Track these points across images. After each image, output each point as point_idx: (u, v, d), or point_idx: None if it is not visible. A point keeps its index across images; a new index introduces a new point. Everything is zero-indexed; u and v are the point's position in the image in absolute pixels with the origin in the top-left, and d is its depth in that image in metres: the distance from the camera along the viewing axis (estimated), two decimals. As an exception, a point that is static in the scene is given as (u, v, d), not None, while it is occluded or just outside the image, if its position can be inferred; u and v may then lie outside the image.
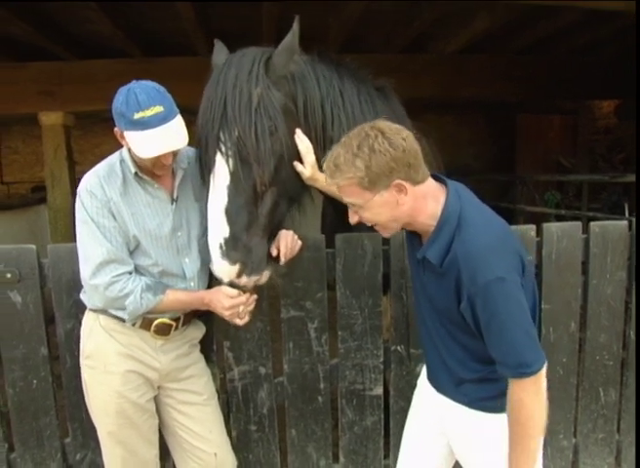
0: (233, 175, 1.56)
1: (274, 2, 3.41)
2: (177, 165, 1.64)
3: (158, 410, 1.74)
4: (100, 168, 1.59)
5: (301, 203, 1.86)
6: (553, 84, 5.29)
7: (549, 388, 2.15)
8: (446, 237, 1.27)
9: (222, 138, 1.56)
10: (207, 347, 1.94)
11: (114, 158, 1.62)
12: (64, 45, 4.26)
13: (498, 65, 5.05)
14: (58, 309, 1.89)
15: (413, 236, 1.45)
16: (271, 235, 1.68)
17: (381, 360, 2.04)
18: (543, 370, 1.25)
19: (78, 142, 6.70)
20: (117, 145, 1.65)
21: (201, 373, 1.78)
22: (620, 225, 2.17)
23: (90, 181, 1.56)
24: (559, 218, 4.82)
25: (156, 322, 1.62)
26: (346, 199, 1.31)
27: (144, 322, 1.62)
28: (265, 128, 1.56)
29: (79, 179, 1.62)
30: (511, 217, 5.41)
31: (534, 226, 2.08)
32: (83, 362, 1.68)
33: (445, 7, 3.62)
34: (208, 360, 1.94)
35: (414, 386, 2.05)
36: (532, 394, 1.24)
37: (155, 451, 1.73)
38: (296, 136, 1.68)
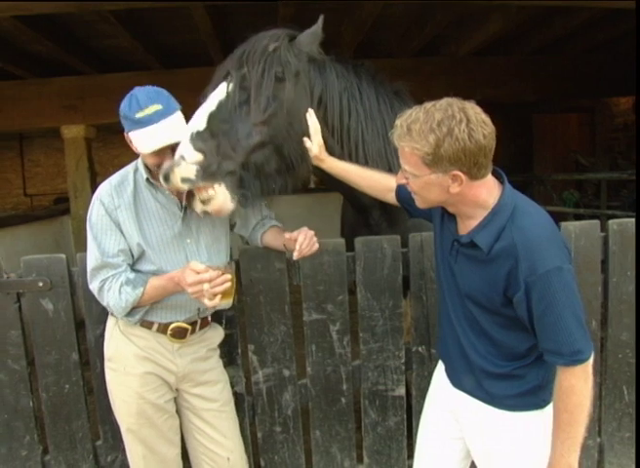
0: (230, 95, 1.63)
1: (289, 11, 3.46)
2: None
3: (177, 412, 1.79)
4: (114, 177, 1.68)
5: (297, 179, 1.83)
6: (569, 83, 5.27)
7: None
8: (498, 224, 1.26)
9: (231, 73, 1.65)
10: (232, 351, 1.99)
11: (129, 167, 1.70)
12: (85, 60, 4.38)
13: (512, 66, 5.05)
14: (87, 316, 1.96)
15: (448, 222, 1.42)
16: (256, 197, 1.71)
17: (403, 361, 2.06)
18: (592, 359, 1.26)
19: (98, 154, 6.85)
20: (135, 156, 1.72)
21: (217, 380, 1.81)
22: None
23: (101, 190, 1.64)
24: (578, 218, 4.78)
25: (172, 326, 1.67)
26: (403, 164, 1.29)
27: (161, 326, 1.67)
28: (273, 71, 1.63)
29: None
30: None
31: None
32: (106, 364, 1.75)
33: (458, 9, 3.64)
34: (233, 363, 2.00)
35: (436, 386, 2.08)
36: (582, 380, 1.25)
37: (177, 451, 1.78)
38: (308, 114, 1.73)
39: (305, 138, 1.74)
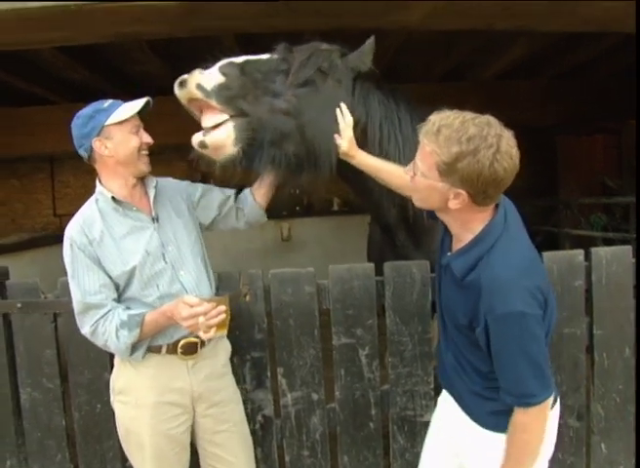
0: (272, 60, 1.67)
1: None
2: (147, 185, 1.72)
3: (191, 435, 1.76)
4: (78, 214, 1.66)
5: (314, 172, 1.79)
6: (594, 105, 5.25)
7: (606, 418, 2.14)
8: (476, 254, 1.25)
9: (278, 50, 1.72)
10: (261, 373, 2.00)
11: (89, 202, 1.69)
12: (116, 85, 4.53)
13: (537, 90, 5.07)
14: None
15: (446, 236, 1.44)
16: (261, 162, 1.69)
17: (432, 386, 2.05)
18: (549, 402, 1.26)
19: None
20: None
21: (230, 399, 1.79)
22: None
23: (70, 229, 1.63)
24: (607, 242, 4.72)
25: (181, 343, 1.64)
26: (418, 159, 1.28)
27: (170, 346, 1.65)
28: (319, 61, 1.67)
29: None
30: (556, 241, 5.33)
31: (582, 251, 2.08)
32: (114, 398, 1.71)
33: (483, 36, 3.69)
34: (262, 386, 2.01)
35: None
36: (535, 420, 1.25)
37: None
38: (338, 110, 1.72)
39: (336, 135, 1.72)
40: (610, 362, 2.14)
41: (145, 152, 1.66)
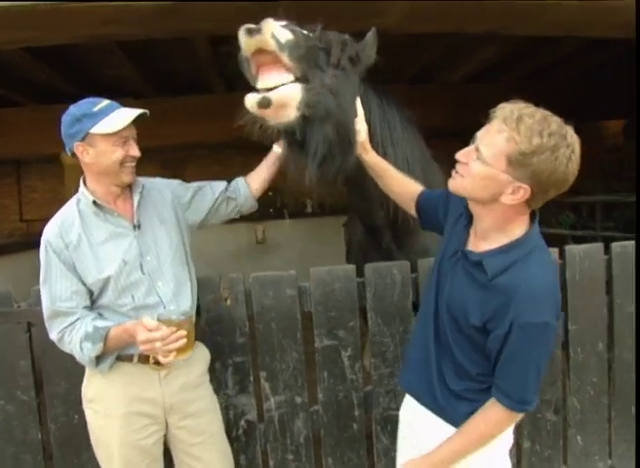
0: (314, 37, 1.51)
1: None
2: (132, 190, 1.67)
3: (169, 446, 1.72)
4: (58, 215, 1.62)
5: (343, 164, 1.66)
6: (558, 107, 5.39)
7: (582, 411, 2.20)
8: (513, 257, 1.22)
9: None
10: (244, 378, 1.99)
11: (71, 202, 1.64)
12: (84, 87, 4.43)
13: (502, 92, 5.15)
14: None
15: (460, 232, 1.39)
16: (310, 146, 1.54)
17: (414, 385, 2.07)
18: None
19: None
20: None
21: (206, 409, 1.73)
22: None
23: (47, 231, 1.59)
24: (576, 239, 4.85)
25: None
26: (484, 145, 1.19)
27: (141, 356, 1.59)
28: (350, 49, 1.57)
29: None
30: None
31: (556, 249, 2.13)
32: (86, 405, 1.67)
33: (451, 39, 3.75)
34: (244, 391, 1.99)
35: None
36: (507, 422, 1.30)
37: None
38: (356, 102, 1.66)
39: (357, 120, 1.64)
40: (584, 356, 2.20)
41: (131, 164, 1.60)
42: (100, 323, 1.54)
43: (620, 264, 2.20)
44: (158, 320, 1.45)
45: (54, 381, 1.96)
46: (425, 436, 1.42)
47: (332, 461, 2.08)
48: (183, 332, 1.44)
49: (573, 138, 1.15)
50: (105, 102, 1.55)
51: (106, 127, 1.51)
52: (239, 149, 6.57)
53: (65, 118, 1.55)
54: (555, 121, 1.15)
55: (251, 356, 1.99)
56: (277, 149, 1.88)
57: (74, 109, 1.55)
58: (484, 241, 1.30)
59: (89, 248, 1.57)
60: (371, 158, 1.71)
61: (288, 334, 1.98)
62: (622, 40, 3.20)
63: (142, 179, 1.73)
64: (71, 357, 1.87)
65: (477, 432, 1.31)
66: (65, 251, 1.56)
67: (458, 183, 1.27)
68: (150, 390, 1.62)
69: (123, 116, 1.54)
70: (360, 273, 2.02)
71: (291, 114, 1.45)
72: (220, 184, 1.88)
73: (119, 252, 1.59)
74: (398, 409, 2.05)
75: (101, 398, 1.63)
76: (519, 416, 1.31)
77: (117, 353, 1.58)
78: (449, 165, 1.97)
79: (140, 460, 1.62)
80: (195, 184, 1.86)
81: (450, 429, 1.37)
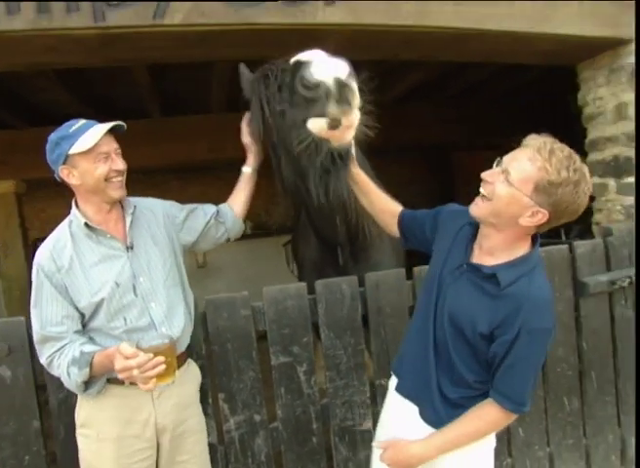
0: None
1: (225, 67, 3.61)
2: (124, 210, 1.69)
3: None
4: (50, 238, 1.63)
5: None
6: (482, 124, 5.80)
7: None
8: (520, 271, 1.34)
9: None
10: (202, 401, 1.99)
11: (63, 224, 1.65)
12: (18, 114, 4.29)
13: (432, 111, 5.48)
14: (49, 380, 1.89)
15: (461, 247, 1.48)
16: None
17: (368, 395, 2.16)
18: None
19: (24, 208, 6.59)
20: (62, 208, 1.72)
21: (195, 430, 1.76)
22: (562, 249, 2.44)
23: (39, 255, 1.59)
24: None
25: None
26: (514, 169, 1.29)
27: None
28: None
29: (33, 246, 1.67)
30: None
31: None
32: (78, 431, 1.66)
33: (384, 65, 3.95)
34: (204, 413, 1.99)
35: (400, 417, 2.18)
36: (501, 421, 1.41)
37: None
38: None
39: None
40: (520, 355, 2.38)
41: (117, 179, 1.61)
42: (88, 348, 1.53)
43: (547, 267, 2.38)
44: (137, 347, 1.43)
45: (1, 421, 1.88)
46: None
47: (293, 476, 2.12)
48: (161, 359, 1.41)
49: (589, 176, 1.29)
50: (82, 122, 1.57)
51: (82, 145, 1.52)
52: (176, 173, 6.53)
53: (47, 146, 1.57)
54: (579, 159, 1.28)
55: (209, 378, 2.01)
56: (247, 170, 1.95)
57: (53, 135, 1.57)
58: (490, 256, 1.40)
59: (81, 270, 1.57)
60: (359, 174, 1.79)
61: (244, 354, 2.01)
62: (534, 66, 3.52)
63: (134, 199, 1.74)
64: (21, 394, 1.84)
65: (473, 427, 1.40)
66: (57, 274, 1.55)
67: (480, 208, 1.37)
68: (144, 411, 1.61)
69: (96, 131, 1.55)
70: (311, 290, 2.10)
71: (349, 137, 1.56)
72: (212, 207, 1.93)
73: (112, 274, 1.59)
74: (354, 420, 2.15)
75: (93, 422, 1.61)
76: (513, 418, 1.41)
77: (107, 376, 1.57)
78: (386, 180, 2.11)
79: None
80: (188, 206, 1.89)
81: None
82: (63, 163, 1.54)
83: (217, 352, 2.00)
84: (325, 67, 1.41)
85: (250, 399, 2.04)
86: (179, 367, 1.67)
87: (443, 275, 1.48)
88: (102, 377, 1.57)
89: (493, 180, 1.33)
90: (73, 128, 1.55)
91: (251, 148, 1.99)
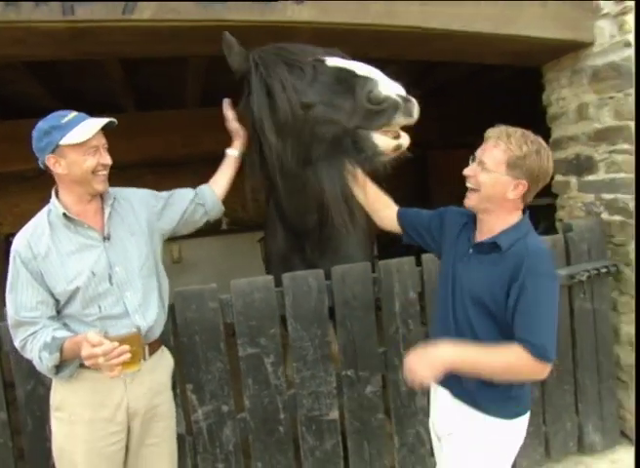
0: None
1: (200, 63, 3.62)
2: (104, 201, 1.73)
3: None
4: (28, 225, 1.66)
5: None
6: (456, 123, 5.90)
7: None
8: (515, 236, 1.54)
9: None
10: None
11: (42, 212, 1.68)
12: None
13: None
14: (16, 371, 1.91)
15: (465, 234, 1.68)
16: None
17: (334, 385, 2.21)
18: (546, 368, 1.46)
19: (-5, 202, 6.48)
20: (36, 202, 1.74)
21: (164, 416, 1.78)
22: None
23: (17, 242, 1.63)
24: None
25: None
26: (486, 158, 1.53)
27: None
28: None
29: (5, 241, 1.69)
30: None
31: (412, 258, 2.35)
32: (53, 414, 1.69)
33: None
34: (172, 404, 2.03)
35: (365, 407, 2.26)
36: (524, 370, 1.46)
37: None
38: None
39: None
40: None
41: (103, 172, 1.66)
42: (60, 333, 1.57)
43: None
44: (105, 335, 1.49)
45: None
46: (457, 425, 1.63)
47: (261, 465, 2.17)
48: (126, 348, 1.46)
49: (545, 144, 1.54)
50: (73, 114, 1.60)
51: (75, 137, 1.56)
52: (151, 168, 6.48)
53: (34, 133, 1.60)
54: (531, 134, 1.54)
55: (178, 369, 2.03)
56: (233, 153, 2.00)
57: (42, 123, 1.59)
58: (489, 233, 1.60)
59: (58, 258, 1.61)
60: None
61: (212, 346, 2.05)
62: (506, 66, 3.60)
63: (113, 190, 1.78)
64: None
65: (505, 360, 1.45)
66: (34, 261, 1.59)
67: (474, 198, 1.59)
68: (116, 396, 1.65)
69: (90, 126, 1.59)
70: (278, 283, 2.14)
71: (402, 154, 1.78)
72: (189, 192, 1.96)
73: (88, 263, 1.63)
74: (321, 409, 2.21)
75: (67, 405, 1.65)
76: (542, 370, 1.45)
77: (79, 361, 1.59)
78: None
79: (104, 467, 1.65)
80: (165, 193, 1.92)
81: (478, 415, 1.57)
82: (52, 152, 1.58)
83: (185, 343, 2.03)
84: (389, 85, 1.66)
85: (218, 390, 2.08)
86: (151, 354, 1.73)
87: (455, 266, 1.66)
88: (75, 362, 1.60)
89: (474, 174, 1.57)
90: (65, 119, 1.58)
91: (239, 133, 2.04)
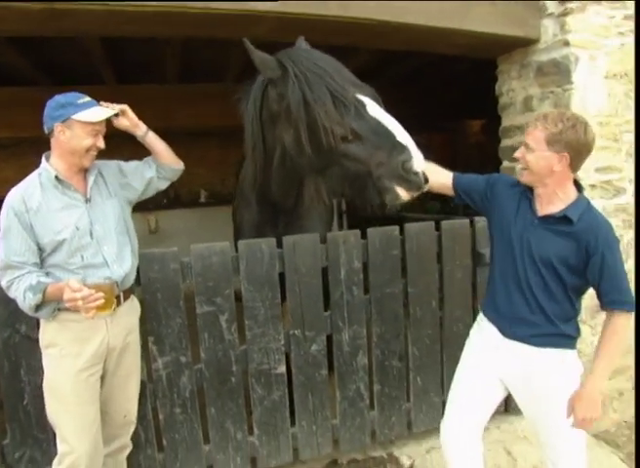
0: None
1: (177, 42, 3.77)
2: (89, 170, 1.98)
3: None
4: (21, 184, 1.90)
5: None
6: (430, 107, 6.11)
7: (420, 357, 2.72)
8: (580, 209, 1.76)
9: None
10: (133, 343, 2.25)
11: (33, 174, 1.92)
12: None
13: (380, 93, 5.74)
14: (-7, 317, 2.12)
15: (525, 205, 1.88)
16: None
17: (282, 343, 2.47)
18: (632, 317, 1.76)
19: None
20: (18, 170, 1.94)
21: (133, 352, 2.07)
22: (464, 223, 2.78)
23: (11, 196, 1.86)
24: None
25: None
26: (529, 140, 1.76)
27: None
28: None
29: None
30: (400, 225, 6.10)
31: (397, 227, 2.63)
32: (44, 352, 1.94)
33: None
34: (134, 354, 2.26)
35: (310, 363, 2.51)
36: (627, 325, 1.75)
37: (96, 408, 1.97)
38: None
39: None
40: (421, 313, 2.73)
41: (93, 153, 1.93)
42: (44, 278, 1.82)
43: (449, 238, 2.75)
44: (83, 283, 1.75)
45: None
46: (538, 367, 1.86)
47: (214, 411, 2.42)
48: (101, 294, 1.74)
49: (582, 118, 1.73)
50: (87, 98, 1.90)
51: (87, 116, 1.85)
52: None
53: (51, 103, 1.87)
54: (568, 112, 1.79)
55: (140, 323, 2.26)
56: (140, 133, 2.17)
57: (61, 97, 1.86)
58: (551, 205, 1.81)
59: (47, 213, 1.86)
60: None
61: (172, 303, 2.28)
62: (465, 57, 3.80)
63: (97, 162, 2.03)
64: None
65: (617, 341, 1.74)
66: (26, 214, 1.84)
67: (526, 174, 1.82)
68: (100, 333, 1.93)
69: (101, 112, 1.90)
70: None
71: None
72: (151, 165, 2.20)
73: (73, 219, 1.90)
74: (270, 364, 2.46)
75: (57, 341, 1.89)
76: (630, 322, 1.76)
77: (56, 304, 1.85)
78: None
79: (89, 396, 1.92)
80: (131, 167, 2.16)
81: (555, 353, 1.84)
82: (62, 122, 1.84)
83: (148, 300, 2.25)
84: (420, 160, 1.87)
85: (176, 342, 2.31)
86: (125, 299, 2.02)
87: (519, 230, 1.87)
88: (52, 304, 1.85)
89: (522, 155, 1.81)
90: (81, 100, 1.87)
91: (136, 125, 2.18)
